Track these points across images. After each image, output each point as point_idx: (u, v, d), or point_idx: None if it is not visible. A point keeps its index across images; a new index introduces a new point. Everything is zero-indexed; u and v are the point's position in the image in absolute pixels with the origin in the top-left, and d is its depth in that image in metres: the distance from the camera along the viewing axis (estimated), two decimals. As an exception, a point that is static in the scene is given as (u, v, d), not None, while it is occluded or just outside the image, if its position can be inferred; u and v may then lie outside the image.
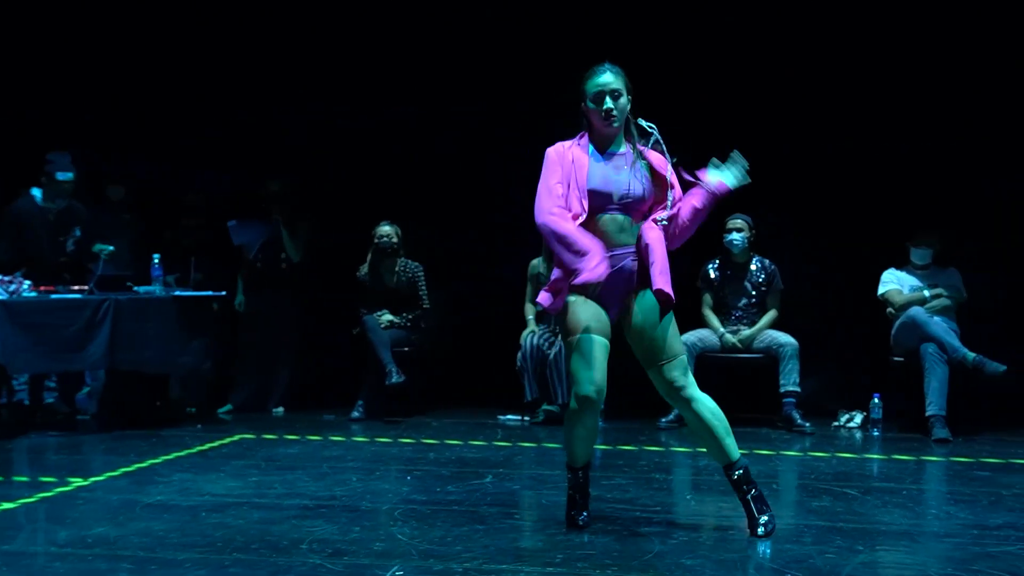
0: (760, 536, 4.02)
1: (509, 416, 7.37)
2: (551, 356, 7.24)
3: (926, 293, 7.02)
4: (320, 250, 7.97)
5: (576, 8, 7.90)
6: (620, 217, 4.06)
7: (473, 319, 8.12)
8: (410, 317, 7.58)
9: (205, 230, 8.11)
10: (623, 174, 4.07)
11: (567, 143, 4.15)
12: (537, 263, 7.64)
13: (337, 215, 8.17)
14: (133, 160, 8.19)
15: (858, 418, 7.16)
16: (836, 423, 7.18)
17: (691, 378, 4.10)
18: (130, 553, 3.80)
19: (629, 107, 4.11)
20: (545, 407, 7.25)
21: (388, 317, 7.51)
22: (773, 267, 7.31)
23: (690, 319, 7.06)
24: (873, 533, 4.17)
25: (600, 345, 4.00)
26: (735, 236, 7.20)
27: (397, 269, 7.61)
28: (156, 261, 7.07)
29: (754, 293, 7.28)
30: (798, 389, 7.00)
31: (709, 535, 4.18)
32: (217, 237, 7.83)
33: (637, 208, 4.08)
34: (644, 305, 4.08)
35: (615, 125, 4.08)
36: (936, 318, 6.89)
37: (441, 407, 7.81)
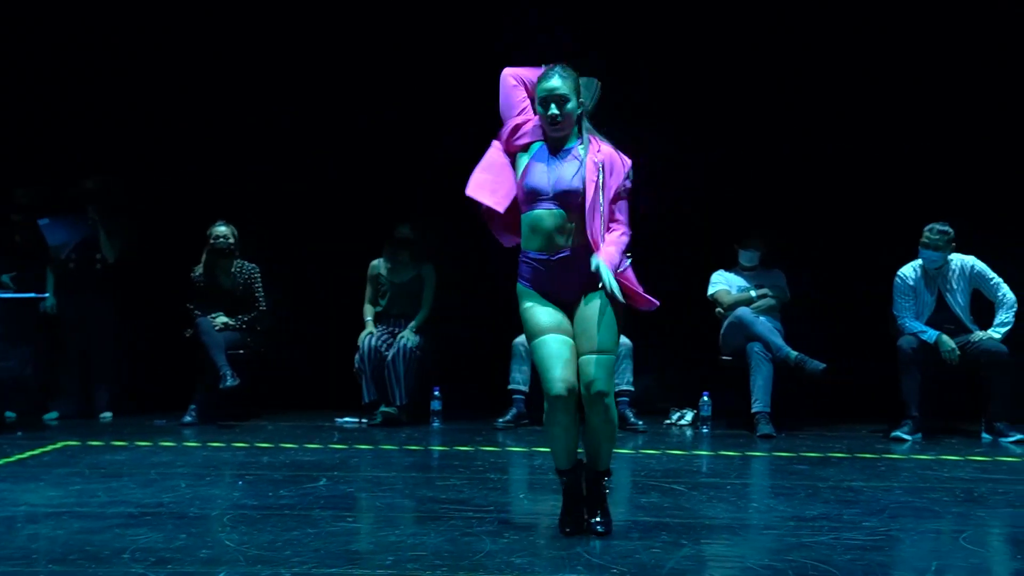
0: (598, 534, 4.08)
1: (346, 418, 7.31)
2: (389, 357, 7.22)
3: (752, 294, 7.28)
4: (152, 250, 7.74)
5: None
6: (558, 212, 4.01)
7: (310, 321, 8.01)
8: (245, 319, 7.44)
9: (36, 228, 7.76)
10: (564, 169, 4.02)
11: (528, 123, 4.11)
12: (377, 264, 7.61)
13: (172, 214, 7.94)
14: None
15: (688, 416, 7.38)
16: (667, 421, 7.38)
17: (612, 381, 4.06)
18: (-64, 568, 3.62)
19: (580, 111, 4.09)
20: (383, 409, 7.22)
21: (223, 319, 7.35)
22: (608, 269, 7.45)
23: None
24: (698, 527, 4.29)
25: (563, 343, 4.00)
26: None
27: (233, 270, 7.46)
28: (-27, 262, 6.76)
29: (589, 294, 7.41)
30: (631, 388, 7.16)
31: (541, 533, 4.22)
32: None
33: (573, 202, 4.00)
34: (592, 296, 4.05)
35: (561, 132, 4.07)
36: (762, 318, 7.16)
37: (277, 410, 7.69)
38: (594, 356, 4.00)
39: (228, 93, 8.05)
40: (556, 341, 4.00)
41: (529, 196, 4.06)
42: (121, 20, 8.04)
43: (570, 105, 4.06)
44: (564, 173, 4.04)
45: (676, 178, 7.90)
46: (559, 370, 3.96)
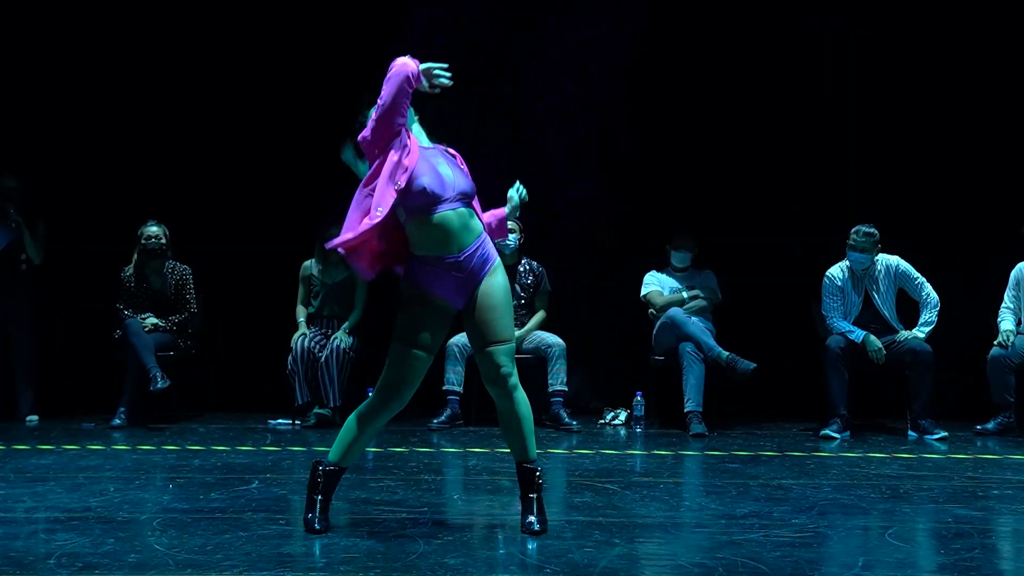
0: (533, 533, 4.09)
1: (280, 420, 7.24)
2: (322, 359, 7.17)
3: (684, 294, 7.36)
4: (79, 250, 7.60)
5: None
6: (463, 210, 4.03)
7: (242, 322, 7.92)
8: (176, 320, 7.34)
9: None
10: (448, 164, 4.06)
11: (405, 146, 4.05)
12: (309, 265, 7.55)
13: (99, 214, 7.79)
14: None
15: (622, 415, 7.42)
16: (601, 421, 7.42)
17: (515, 369, 4.08)
18: None
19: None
20: (316, 410, 7.17)
21: (152, 320, 7.25)
22: (541, 269, 7.48)
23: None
24: (631, 526, 4.33)
25: (427, 364, 4.05)
26: (508, 238, 7.30)
27: (165, 271, 7.36)
28: None
29: (523, 295, 7.42)
30: (565, 388, 7.18)
31: (474, 534, 4.23)
32: None
33: (469, 195, 4.07)
34: (487, 287, 4.06)
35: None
36: (694, 318, 7.23)
37: (210, 412, 7.60)
38: (503, 346, 4.05)
39: (158, 90, 7.92)
40: (425, 364, 4.05)
41: (426, 199, 3.97)
42: (46, 16, 7.88)
43: None
44: (450, 169, 4.06)
45: (609, 179, 7.97)
46: (412, 389, 4.06)
